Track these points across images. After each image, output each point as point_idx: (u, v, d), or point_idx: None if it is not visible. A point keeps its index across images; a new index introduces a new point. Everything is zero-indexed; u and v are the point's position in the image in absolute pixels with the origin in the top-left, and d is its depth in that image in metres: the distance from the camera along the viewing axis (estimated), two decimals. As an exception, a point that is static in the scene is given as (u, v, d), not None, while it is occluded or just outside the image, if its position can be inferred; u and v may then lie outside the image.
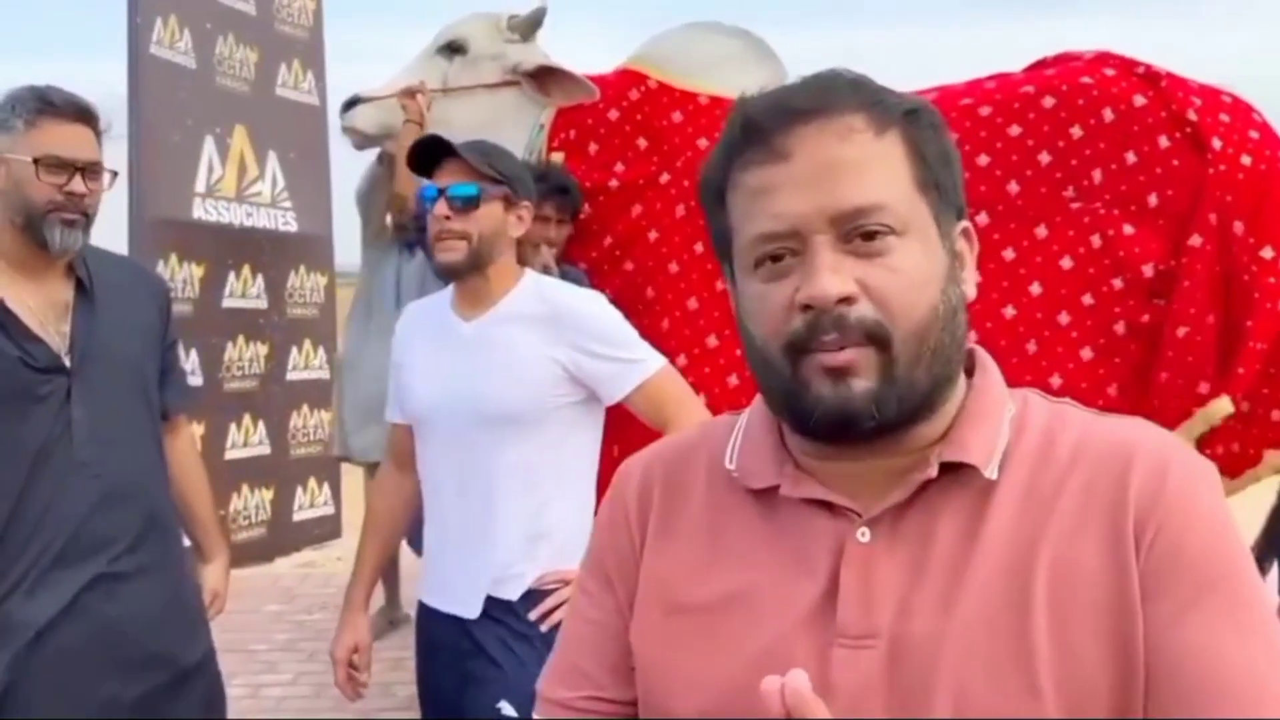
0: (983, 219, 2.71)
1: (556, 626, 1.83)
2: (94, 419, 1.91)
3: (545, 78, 3.36)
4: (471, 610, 1.89)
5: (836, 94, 0.78)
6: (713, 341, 2.96)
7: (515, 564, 1.88)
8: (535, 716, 0.91)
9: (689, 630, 0.83)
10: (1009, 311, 2.75)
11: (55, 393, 1.88)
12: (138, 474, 1.98)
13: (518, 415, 1.85)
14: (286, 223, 5.27)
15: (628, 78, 3.32)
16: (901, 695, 0.75)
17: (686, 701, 0.81)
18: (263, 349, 5.11)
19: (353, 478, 5.18)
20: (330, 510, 5.59)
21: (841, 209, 0.75)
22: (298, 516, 5.37)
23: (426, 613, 1.99)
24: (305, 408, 5.38)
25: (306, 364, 5.39)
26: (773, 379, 0.79)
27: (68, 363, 1.90)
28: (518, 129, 3.36)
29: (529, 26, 3.42)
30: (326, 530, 5.54)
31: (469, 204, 1.92)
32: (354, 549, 5.80)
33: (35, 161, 1.88)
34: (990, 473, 0.78)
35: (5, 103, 1.90)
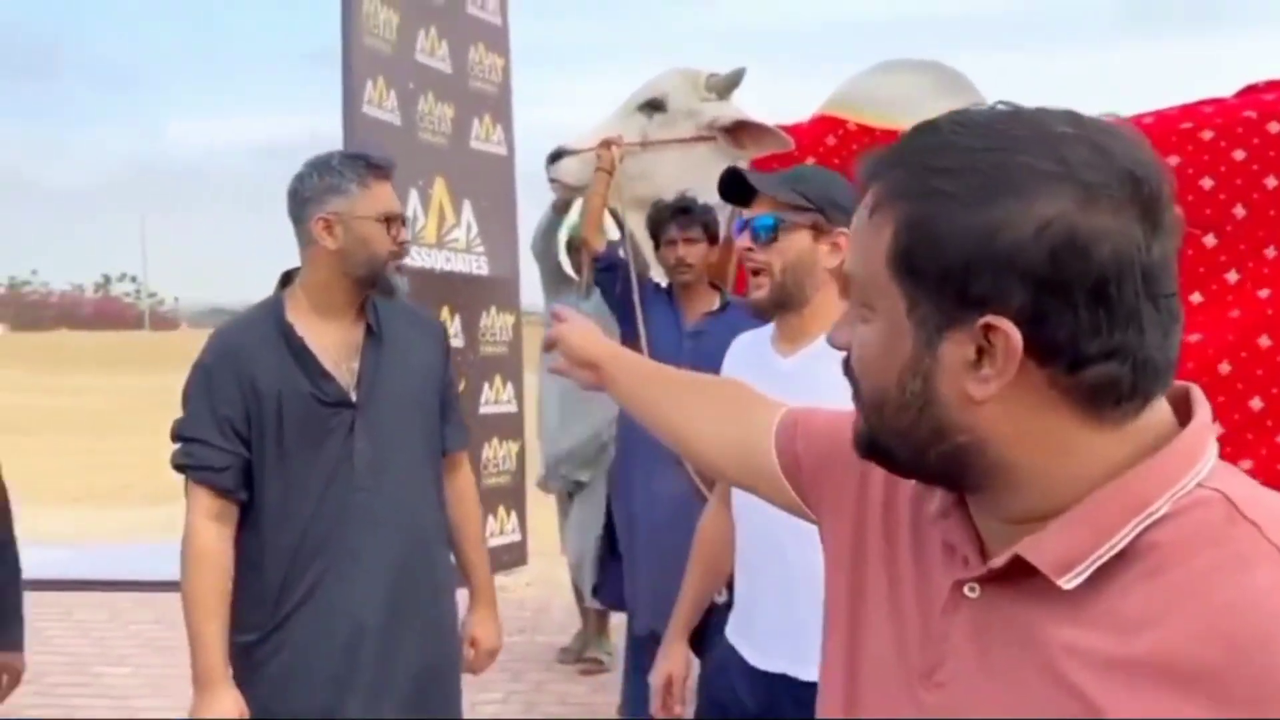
0: (1210, 241, 2.81)
1: None
2: (374, 450, 2.12)
3: (739, 131, 3.56)
4: (782, 668, 1.80)
5: (880, 164, 0.79)
6: None
7: None
8: None
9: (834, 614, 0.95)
10: (1234, 314, 2.80)
11: (341, 425, 2.11)
12: (411, 503, 2.19)
13: None
14: (479, 266, 5.59)
15: (823, 124, 3.48)
16: None
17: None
18: (460, 385, 5.42)
19: (538, 506, 5.44)
20: (517, 537, 5.85)
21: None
22: (489, 543, 5.63)
23: (736, 660, 1.91)
24: (495, 440, 5.67)
25: (496, 399, 5.69)
26: None
27: (354, 398, 2.12)
28: (713, 181, 3.56)
29: (727, 86, 3.61)
30: (514, 556, 5.79)
31: (768, 234, 1.86)
32: (540, 575, 6.07)
33: (386, 220, 2.13)
34: (1067, 582, 0.73)
35: (329, 169, 2.12)
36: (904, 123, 3.43)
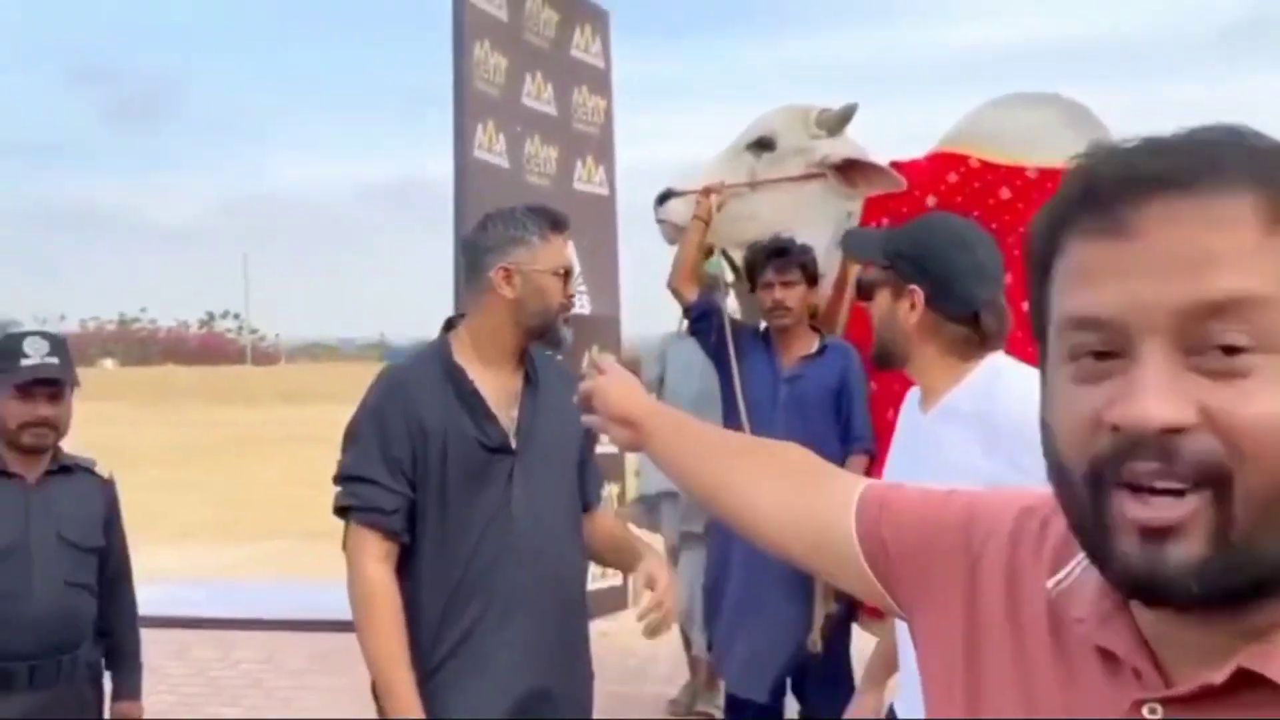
0: None
1: None
2: (529, 496, 2.13)
3: (850, 170, 3.48)
4: None
5: (1219, 165, 0.61)
6: None
7: None
8: None
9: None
10: None
11: (502, 471, 2.12)
12: (561, 550, 2.19)
13: None
14: (582, 305, 5.60)
15: (943, 161, 3.38)
16: None
17: None
18: (565, 427, 5.42)
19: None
20: (618, 581, 5.81)
21: (1191, 303, 0.60)
22: (591, 586, 5.59)
23: None
24: (597, 481, 5.65)
25: (598, 440, 5.68)
26: (1070, 501, 0.67)
27: (514, 444, 2.14)
28: (823, 220, 3.51)
29: (838, 122, 3.55)
30: (616, 601, 5.74)
31: (864, 292, 1.92)
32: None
33: (564, 274, 2.14)
34: None
35: (513, 220, 2.16)
36: (1029, 158, 3.34)
